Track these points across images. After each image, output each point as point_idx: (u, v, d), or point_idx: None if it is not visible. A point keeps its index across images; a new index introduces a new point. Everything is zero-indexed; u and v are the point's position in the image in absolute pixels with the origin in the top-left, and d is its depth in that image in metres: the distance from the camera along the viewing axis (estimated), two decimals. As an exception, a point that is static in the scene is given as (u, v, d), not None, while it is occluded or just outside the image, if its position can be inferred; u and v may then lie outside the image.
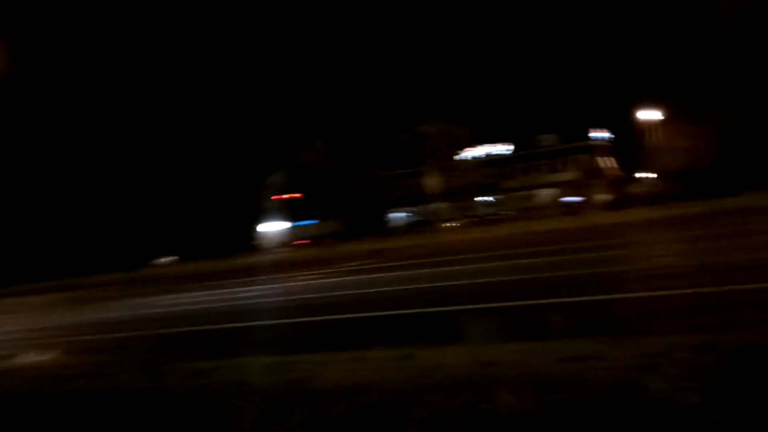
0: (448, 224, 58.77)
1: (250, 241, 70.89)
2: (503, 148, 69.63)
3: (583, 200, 62.36)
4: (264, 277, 22.82)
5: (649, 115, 53.46)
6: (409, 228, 60.33)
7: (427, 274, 15.44)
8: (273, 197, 46.58)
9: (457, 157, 43.97)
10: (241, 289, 19.53)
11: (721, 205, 28.96)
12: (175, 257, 63.22)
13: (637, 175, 67.86)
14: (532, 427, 3.62)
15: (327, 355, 6.72)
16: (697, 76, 62.04)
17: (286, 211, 47.63)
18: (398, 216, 71.99)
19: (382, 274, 17.42)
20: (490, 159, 65.44)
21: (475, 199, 58.41)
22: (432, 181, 29.82)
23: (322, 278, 19.33)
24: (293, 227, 65.56)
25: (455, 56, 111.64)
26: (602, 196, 62.87)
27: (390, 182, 50.19)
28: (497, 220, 60.43)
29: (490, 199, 68.24)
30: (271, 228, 70.85)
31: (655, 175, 60.98)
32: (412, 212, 69.24)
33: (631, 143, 63.48)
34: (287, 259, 34.40)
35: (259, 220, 67.86)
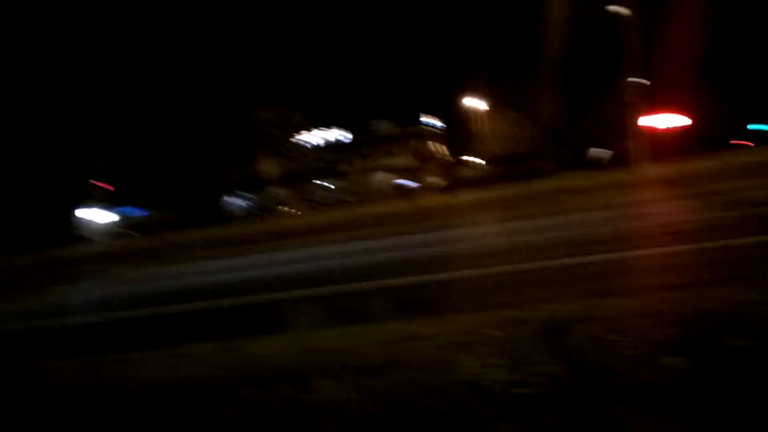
0: (286, 209, 58.28)
1: (69, 230, 65.46)
2: (340, 134, 70.25)
3: (415, 184, 64.70)
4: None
5: (475, 102, 56.55)
6: (247, 214, 59.01)
7: (262, 261, 15.12)
8: (97, 183, 43.35)
9: (294, 142, 43.61)
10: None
11: (536, 186, 31.32)
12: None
13: (465, 159, 71.67)
14: (351, 415, 3.57)
15: (146, 353, 6.30)
16: (520, 65, 66.57)
17: (113, 197, 44.55)
18: (235, 202, 70.14)
19: (203, 264, 16.80)
20: (327, 144, 65.77)
21: (313, 184, 58.44)
22: (269, 167, 29.33)
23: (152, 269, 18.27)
24: (119, 215, 61.52)
25: (291, 43, 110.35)
26: (433, 180, 65.62)
27: (226, 168, 48.70)
28: (335, 204, 60.95)
29: (328, 184, 68.62)
30: (94, 216, 65.96)
31: (480, 160, 64.75)
32: (249, 198, 67.79)
33: (459, 129, 66.79)
34: (106, 251, 32.21)
35: (81, 207, 62.82)
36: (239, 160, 48.52)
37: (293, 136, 43.24)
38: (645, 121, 51.82)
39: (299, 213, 55.01)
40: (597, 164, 55.83)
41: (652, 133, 54.78)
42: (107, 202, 47.22)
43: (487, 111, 60.42)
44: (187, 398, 4.29)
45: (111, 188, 37.03)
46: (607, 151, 63.51)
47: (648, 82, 47.86)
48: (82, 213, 65.80)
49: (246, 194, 68.69)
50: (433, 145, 72.12)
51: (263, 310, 8.32)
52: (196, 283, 12.68)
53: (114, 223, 61.98)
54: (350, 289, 8.90)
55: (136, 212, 48.95)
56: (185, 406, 4.17)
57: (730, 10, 67.08)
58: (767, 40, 59.67)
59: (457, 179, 61.11)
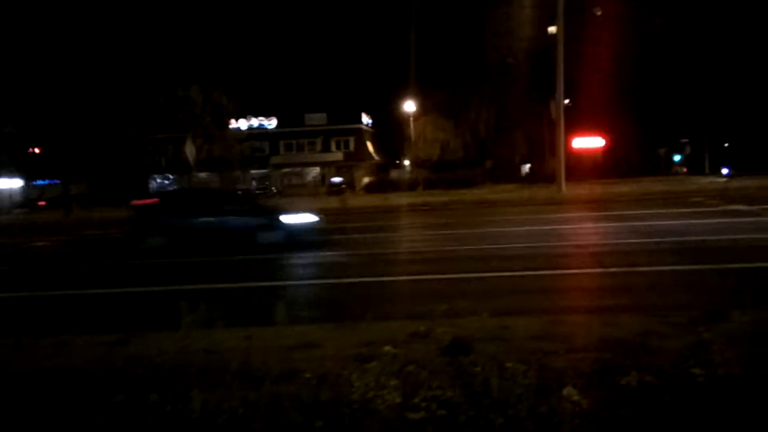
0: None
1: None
2: (270, 122, 69.19)
3: (345, 182, 64.44)
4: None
5: (410, 106, 56.87)
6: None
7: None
8: (7, 152, 40.85)
9: (221, 127, 42.38)
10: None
11: (463, 195, 31.73)
12: None
13: (398, 161, 72.03)
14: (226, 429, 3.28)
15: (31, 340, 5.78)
16: (457, 74, 67.43)
17: (22, 167, 42.09)
18: (159, 183, 67.86)
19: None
20: (255, 132, 64.63)
21: (241, 172, 57.15)
22: (193, 149, 28.25)
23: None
24: (30, 186, 58.37)
25: (223, 22, 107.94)
26: (365, 179, 65.52)
27: (147, 146, 46.77)
28: (263, 195, 59.91)
29: (256, 173, 67.45)
30: (4, 186, 62.39)
31: (408, 163, 65.19)
32: (173, 181, 65.78)
33: (392, 131, 67.12)
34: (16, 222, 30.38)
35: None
36: (161, 139, 46.75)
37: (222, 121, 41.98)
38: (572, 141, 53.68)
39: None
40: (524, 178, 57.27)
41: (576, 152, 56.78)
42: (22, 171, 44.55)
43: (422, 116, 60.80)
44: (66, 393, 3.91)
45: (37, 151, 34.86)
46: (528, 165, 65.36)
47: (570, 103, 49.42)
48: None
49: (170, 176, 66.67)
50: (367, 144, 72.08)
51: (165, 301, 7.88)
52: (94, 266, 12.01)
53: (25, 192, 58.80)
54: (269, 285, 8.56)
55: (49, 183, 46.49)
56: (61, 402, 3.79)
57: (656, 41, 70.23)
58: (688, 75, 62.87)
59: (388, 180, 61.25)
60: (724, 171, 44.94)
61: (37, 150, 36.30)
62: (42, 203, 55.73)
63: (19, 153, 38.35)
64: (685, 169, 62.64)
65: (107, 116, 36.86)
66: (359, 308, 5.97)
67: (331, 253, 11.87)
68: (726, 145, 64.31)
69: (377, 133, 74.93)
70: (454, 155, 63.08)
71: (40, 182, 54.44)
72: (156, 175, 65.56)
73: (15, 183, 59.55)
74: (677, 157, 68.65)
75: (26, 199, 58.13)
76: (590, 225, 16.21)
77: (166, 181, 67.86)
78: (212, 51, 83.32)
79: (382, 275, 8.90)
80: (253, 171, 65.03)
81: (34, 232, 24.47)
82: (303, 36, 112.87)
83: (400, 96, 58.14)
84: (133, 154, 45.40)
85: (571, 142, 52.70)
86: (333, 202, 30.67)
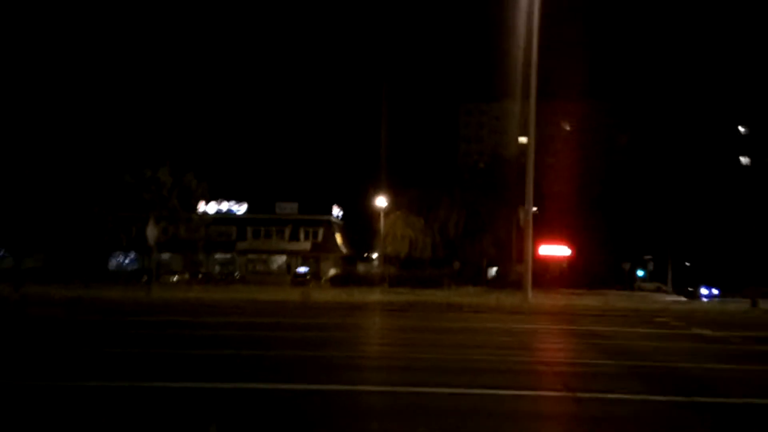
0: (173, 278, 55.21)
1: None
2: (232, 205, 68.72)
3: (311, 272, 63.50)
4: None
5: (381, 201, 57.19)
6: (129, 276, 55.49)
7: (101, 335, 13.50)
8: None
9: (189, 209, 41.83)
10: None
11: (428, 296, 31.14)
12: None
13: (365, 255, 71.62)
14: None
15: None
16: (428, 173, 68.52)
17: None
18: (119, 262, 66.10)
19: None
20: (224, 216, 64.00)
21: (205, 255, 56.13)
22: (155, 230, 27.54)
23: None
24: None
25: (196, 106, 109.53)
26: (331, 271, 64.74)
27: (109, 224, 45.74)
28: (224, 281, 58.51)
29: (221, 257, 66.30)
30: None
31: (376, 257, 64.79)
32: (134, 260, 64.11)
33: (361, 225, 67.07)
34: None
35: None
36: (125, 217, 45.85)
37: (190, 202, 41.47)
38: (538, 248, 54.09)
39: (180, 281, 52.19)
40: (490, 282, 57.06)
41: (542, 259, 57.12)
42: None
43: (392, 212, 61.04)
44: None
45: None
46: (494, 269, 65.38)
47: (538, 212, 50.13)
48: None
49: (131, 255, 65.03)
50: (335, 236, 71.78)
51: None
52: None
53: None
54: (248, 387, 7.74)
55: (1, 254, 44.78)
56: None
57: (622, 158, 72.74)
58: (653, 192, 64.76)
59: (354, 274, 60.54)
60: (704, 291, 44.46)
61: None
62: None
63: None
64: (662, 287, 62.71)
65: (70, 190, 36.08)
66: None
67: (274, 353, 11.09)
68: (687, 264, 65.45)
69: (346, 225, 74.89)
70: (422, 253, 63.02)
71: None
72: (117, 253, 64.00)
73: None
74: (641, 272, 69.48)
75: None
76: (556, 340, 15.69)
77: (127, 260, 66.23)
78: (186, 133, 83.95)
79: (323, 382, 8.15)
80: (217, 255, 63.96)
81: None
82: (277, 125, 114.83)
83: (372, 190, 58.61)
84: (95, 231, 44.25)
85: (537, 249, 53.06)
86: (295, 294, 29.80)
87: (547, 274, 57.27)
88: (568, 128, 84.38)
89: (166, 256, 59.22)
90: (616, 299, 34.90)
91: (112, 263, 65.97)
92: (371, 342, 14.19)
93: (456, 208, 63.42)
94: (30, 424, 6.16)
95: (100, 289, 36.66)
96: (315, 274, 63.44)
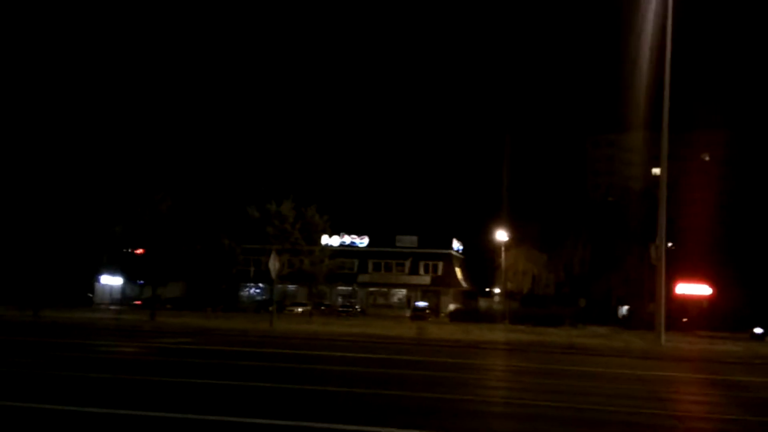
0: (297, 309, 56.87)
1: (86, 294, 65.01)
2: (354, 239, 69.86)
3: (430, 306, 62.96)
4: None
5: (502, 236, 55.91)
6: (258, 306, 57.86)
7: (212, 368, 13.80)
8: (112, 251, 43.06)
9: (311, 242, 43.07)
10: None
11: (551, 336, 29.71)
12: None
13: (487, 290, 70.18)
14: None
15: None
16: (553, 207, 66.36)
17: (125, 267, 43.99)
18: (249, 292, 69.23)
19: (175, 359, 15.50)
20: (345, 249, 65.25)
21: (328, 287, 57.39)
22: (277, 263, 28.46)
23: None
24: (131, 285, 60.87)
25: (319, 138, 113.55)
26: (450, 306, 63.99)
27: (237, 255, 48.18)
28: (345, 313, 59.43)
29: (343, 289, 67.53)
30: (108, 282, 65.51)
31: (497, 293, 63.16)
32: (262, 290, 66.87)
33: (481, 259, 65.86)
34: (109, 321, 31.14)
35: (94, 272, 62.58)
36: (251, 250, 48.08)
37: (312, 236, 42.70)
38: (675, 287, 50.41)
39: (303, 312, 53.52)
40: (620, 321, 53.78)
41: (678, 299, 53.14)
42: (124, 271, 46.57)
43: (513, 247, 59.54)
44: None
45: (140, 252, 36.54)
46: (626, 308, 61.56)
47: (673, 247, 46.78)
48: (99, 279, 65.48)
49: (258, 286, 67.88)
50: (456, 270, 71.03)
51: None
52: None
53: (122, 290, 61.25)
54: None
55: (146, 285, 48.25)
56: None
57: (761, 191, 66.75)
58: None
59: (474, 309, 59.41)
60: None
61: (139, 251, 37.75)
62: (138, 302, 57.83)
63: (122, 253, 40.10)
64: None
65: (203, 224, 38.35)
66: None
67: (387, 392, 10.75)
68: None
69: (467, 259, 73.94)
70: (545, 290, 60.84)
71: (141, 282, 56.65)
72: (246, 284, 67.04)
73: (116, 281, 62.40)
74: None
75: (123, 297, 60.59)
76: (692, 390, 14.25)
77: (257, 290, 69.21)
78: (309, 168, 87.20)
79: (432, 428, 7.70)
80: (340, 287, 65.14)
81: (112, 333, 24.77)
82: (397, 159, 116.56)
83: (493, 224, 57.51)
84: (226, 263, 46.67)
85: (674, 287, 49.53)
86: (410, 329, 29.48)
87: (684, 315, 53.23)
88: (706, 158, 79.15)
89: (292, 287, 61.33)
90: (762, 345, 31.55)
91: (243, 293, 69.25)
92: (487, 385, 13.55)
93: (582, 244, 60.82)
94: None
95: (229, 318, 38.42)
96: (434, 309, 62.96)
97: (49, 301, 41.53)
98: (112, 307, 54.22)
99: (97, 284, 67.37)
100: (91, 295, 66.62)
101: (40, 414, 7.85)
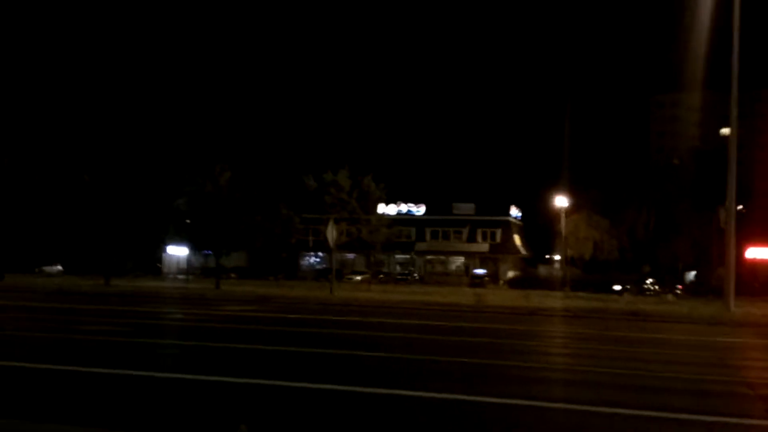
0: (357, 277, 57.50)
1: (155, 263, 67.50)
2: (411, 207, 69.66)
3: (488, 274, 62.51)
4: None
5: (562, 201, 54.68)
6: (318, 275, 58.82)
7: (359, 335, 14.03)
8: (178, 223, 44.33)
9: (368, 211, 43.26)
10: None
11: (613, 302, 29.09)
12: (59, 267, 59.47)
13: (546, 257, 69.15)
14: None
15: None
16: (615, 171, 64.48)
17: (190, 238, 45.23)
18: (309, 261, 70.37)
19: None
20: (403, 217, 65.22)
21: (386, 255, 57.70)
22: (335, 232, 28.72)
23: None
24: (197, 254, 62.70)
25: (375, 107, 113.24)
26: (509, 273, 63.45)
27: (296, 225, 48.93)
28: (403, 281, 59.74)
29: (401, 257, 67.73)
30: (175, 252, 67.65)
31: (557, 260, 62.11)
32: (322, 259, 67.81)
33: (541, 226, 64.73)
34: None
35: (161, 243, 64.59)
36: (310, 219, 48.60)
37: (369, 204, 42.88)
38: (745, 251, 48.39)
39: (363, 281, 54.06)
40: (687, 288, 52.18)
41: (750, 264, 51.05)
42: (189, 241, 47.96)
43: (574, 213, 58.26)
44: None
45: (207, 223, 37.72)
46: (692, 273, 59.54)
47: (744, 210, 44.69)
48: (167, 250, 67.85)
49: (317, 255, 68.80)
50: (514, 237, 70.13)
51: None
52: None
53: (188, 260, 63.18)
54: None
55: (210, 254, 49.63)
56: None
57: None
58: None
59: (532, 276, 58.78)
60: None
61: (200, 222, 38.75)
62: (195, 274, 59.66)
63: (187, 224, 41.20)
64: None
65: (262, 194, 38.93)
66: None
67: (445, 358, 10.71)
68: None
69: (525, 226, 72.83)
70: (607, 256, 59.56)
71: (206, 252, 58.23)
72: (305, 253, 68.08)
73: (182, 251, 64.33)
74: None
75: (189, 267, 62.47)
76: (763, 357, 13.69)
77: (317, 259, 70.26)
78: (365, 136, 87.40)
79: (491, 394, 7.60)
80: (397, 255, 65.35)
81: (179, 301, 25.61)
82: (455, 125, 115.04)
83: (552, 190, 56.31)
84: (285, 232, 47.42)
85: (743, 252, 47.59)
86: (468, 296, 29.34)
87: (755, 281, 51.21)
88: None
89: (350, 256, 61.94)
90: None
91: (303, 262, 70.44)
92: (546, 352, 13.35)
93: (645, 208, 59.09)
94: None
95: (290, 287, 39.17)
96: (493, 276, 62.57)
97: (120, 271, 43.23)
98: (180, 277, 56.08)
99: (164, 255, 69.63)
100: (159, 265, 69.04)
101: (114, 379, 8.13)
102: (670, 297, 43.36)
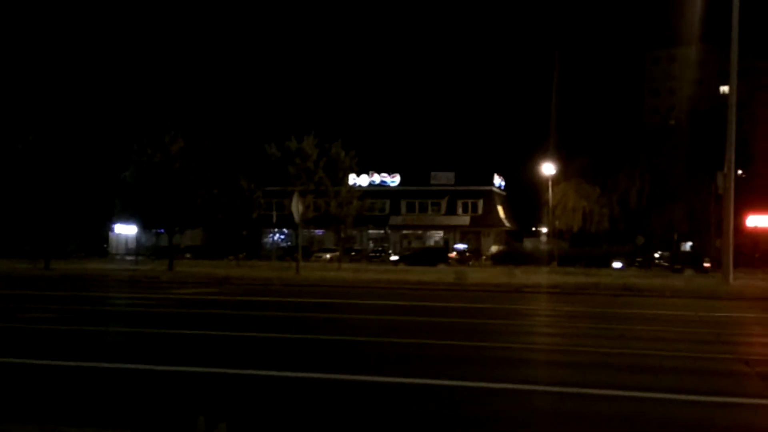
0: (326, 255, 57.59)
1: (101, 244, 66.73)
2: (393, 179, 69.60)
3: (470, 249, 63.02)
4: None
5: (549, 169, 55.14)
6: (284, 254, 58.70)
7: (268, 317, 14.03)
8: (125, 198, 43.71)
9: (337, 183, 43.08)
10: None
11: (603, 277, 29.54)
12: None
13: (533, 229, 69.90)
14: None
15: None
16: (605, 135, 65.04)
17: (139, 215, 44.67)
18: (272, 239, 70.15)
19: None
20: (375, 189, 65.18)
21: (356, 231, 57.78)
22: (300, 206, 28.60)
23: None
24: (147, 233, 62.03)
25: (343, 69, 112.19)
26: (493, 248, 64.01)
27: (258, 199, 48.53)
28: (377, 259, 59.95)
29: (374, 233, 67.91)
30: (122, 231, 66.89)
31: (544, 232, 62.83)
32: (287, 237, 67.62)
33: (527, 196, 65.26)
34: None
35: (107, 221, 63.75)
36: (272, 192, 48.23)
37: (338, 175, 42.69)
38: (745, 219, 49.38)
39: (331, 259, 54.08)
40: (681, 260, 53.20)
41: (750, 233, 52.18)
42: (139, 219, 47.44)
43: (562, 181, 58.76)
44: None
45: (157, 200, 37.14)
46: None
47: (744, 175, 45.48)
48: (113, 229, 67.03)
49: (281, 231, 68.59)
50: (498, 208, 70.68)
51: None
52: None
53: (137, 240, 62.54)
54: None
55: (163, 232, 49.06)
56: None
57: None
58: None
59: (519, 251, 59.35)
60: None
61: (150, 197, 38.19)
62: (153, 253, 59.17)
63: (134, 199, 40.64)
64: None
65: (219, 165, 38.44)
66: None
67: (425, 341, 10.83)
68: None
69: (509, 196, 73.39)
70: (598, 227, 60.34)
71: (158, 231, 57.62)
72: (269, 230, 67.81)
73: (131, 229, 63.68)
74: None
75: (140, 247, 61.90)
76: (763, 332, 14.06)
77: (281, 237, 70.03)
78: (332, 101, 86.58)
79: (475, 379, 7.71)
80: (370, 231, 65.53)
81: (128, 285, 25.38)
82: (433, 88, 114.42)
83: (538, 157, 56.70)
84: (245, 207, 47.03)
85: (744, 220, 48.57)
86: (448, 275, 29.59)
87: (756, 251, 52.42)
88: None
89: (318, 232, 61.87)
90: None
91: (266, 240, 70.24)
92: (533, 331, 13.55)
93: (638, 175, 59.81)
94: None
95: (251, 267, 39.05)
96: (475, 251, 63.10)
97: (61, 253, 42.63)
98: (129, 258, 55.55)
99: (111, 234, 68.83)
100: (106, 246, 68.32)
101: (51, 371, 8.05)
102: (661, 269, 44.15)
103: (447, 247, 66.11)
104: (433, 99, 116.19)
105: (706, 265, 43.93)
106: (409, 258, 53.62)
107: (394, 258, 56.16)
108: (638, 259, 51.12)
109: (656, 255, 53.51)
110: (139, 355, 9.44)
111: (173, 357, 9.20)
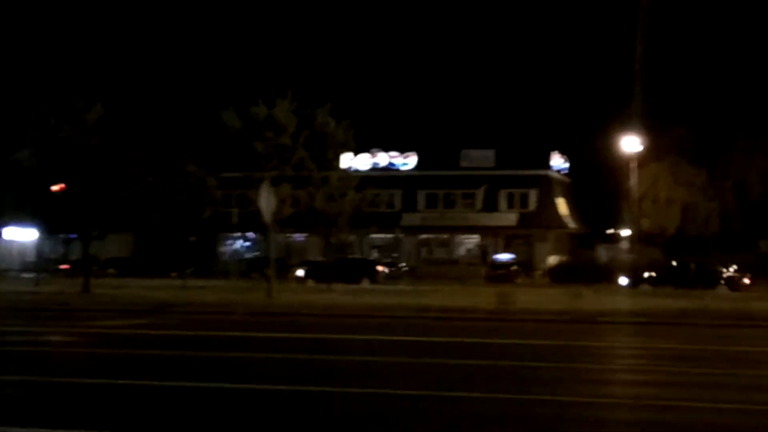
0: (301, 275, 57.17)
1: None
2: (406, 161, 69.42)
3: (518, 260, 62.87)
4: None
5: (632, 145, 54.91)
6: (249, 268, 58.65)
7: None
8: (20, 190, 44.05)
9: (325, 166, 42.85)
10: None
11: (712, 301, 29.52)
12: None
13: (608, 232, 69.92)
14: None
15: None
16: (709, 99, 64.94)
17: (39, 213, 44.94)
18: (234, 247, 70.30)
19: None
20: (381, 175, 65.06)
21: (352, 235, 57.72)
22: (273, 199, 28.54)
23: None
24: (53, 240, 62.30)
25: (331, 8, 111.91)
26: (551, 258, 63.97)
27: (212, 189, 48.04)
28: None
29: (379, 237, 67.85)
30: (16, 237, 67.26)
31: (627, 237, 62.82)
32: (254, 243, 67.67)
33: (599, 184, 65.12)
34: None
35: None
36: (232, 181, 48.03)
37: (327, 155, 42.45)
38: None
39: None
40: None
41: None
42: (40, 219, 47.89)
43: (651, 162, 58.73)
44: None
45: (61, 188, 37.32)
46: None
47: None
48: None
49: (245, 237, 68.46)
50: (558, 202, 70.60)
51: None
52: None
53: (38, 250, 62.86)
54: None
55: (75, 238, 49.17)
56: None
57: None
58: None
59: (586, 263, 59.28)
60: None
61: (58, 188, 38.26)
62: (65, 266, 59.28)
63: (32, 192, 40.82)
64: None
65: (156, 143, 38.47)
66: None
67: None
68: None
69: (574, 185, 73.24)
70: (704, 227, 60.31)
71: (68, 236, 57.97)
72: (228, 235, 67.77)
73: (29, 235, 63.91)
74: None
75: (42, 260, 62.12)
76: None
77: (246, 244, 69.99)
78: (315, 53, 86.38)
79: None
80: (374, 235, 65.53)
81: (25, 313, 25.39)
82: (461, 32, 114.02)
83: (615, 129, 56.53)
84: (194, 202, 46.98)
85: None
86: (487, 298, 29.42)
87: None
88: None
89: (299, 237, 61.84)
90: None
91: (225, 249, 70.25)
92: (613, 379, 13.56)
93: (761, 153, 59.74)
94: None
95: (204, 288, 39.01)
96: (526, 264, 63.05)
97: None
98: (25, 276, 55.72)
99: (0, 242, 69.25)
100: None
101: None
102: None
103: (484, 257, 65.92)
104: (463, 46, 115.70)
105: None
106: (316, 271, 52.42)
107: (300, 273, 55.13)
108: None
109: None
110: (37, 413, 9.41)
111: (84, 418, 9.19)
